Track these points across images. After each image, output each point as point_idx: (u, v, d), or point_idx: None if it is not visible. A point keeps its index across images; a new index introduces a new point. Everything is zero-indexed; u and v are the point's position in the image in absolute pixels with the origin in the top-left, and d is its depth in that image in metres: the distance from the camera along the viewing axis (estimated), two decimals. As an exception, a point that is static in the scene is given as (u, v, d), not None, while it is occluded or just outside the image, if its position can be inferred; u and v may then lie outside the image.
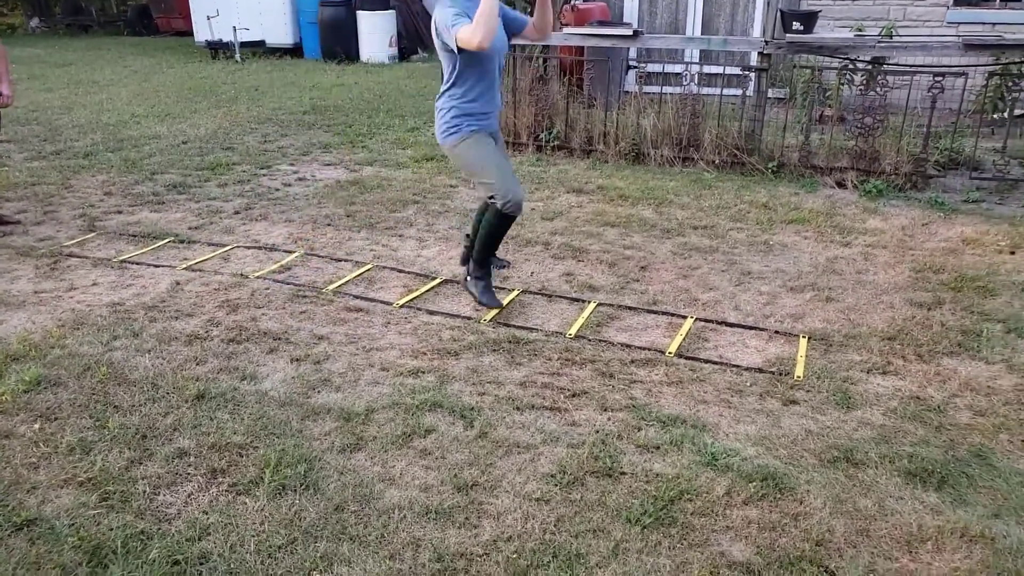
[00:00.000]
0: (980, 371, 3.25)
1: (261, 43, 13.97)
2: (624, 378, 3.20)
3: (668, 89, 6.50)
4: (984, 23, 8.37)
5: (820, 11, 6.76)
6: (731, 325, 3.70)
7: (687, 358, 3.38)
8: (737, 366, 3.31)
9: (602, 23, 8.79)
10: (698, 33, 9.18)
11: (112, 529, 2.31)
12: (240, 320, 3.69)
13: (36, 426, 2.81)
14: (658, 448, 2.72)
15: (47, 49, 16.37)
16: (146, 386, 3.09)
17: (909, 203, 5.54)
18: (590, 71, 6.90)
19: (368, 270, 4.34)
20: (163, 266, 4.38)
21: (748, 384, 3.17)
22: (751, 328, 3.67)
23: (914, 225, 5.05)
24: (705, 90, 7.12)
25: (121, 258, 4.50)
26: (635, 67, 8.57)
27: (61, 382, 3.10)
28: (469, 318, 3.75)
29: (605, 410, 2.97)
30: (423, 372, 3.23)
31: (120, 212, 5.43)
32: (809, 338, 3.55)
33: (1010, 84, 6.17)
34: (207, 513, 2.39)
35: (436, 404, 2.97)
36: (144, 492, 2.48)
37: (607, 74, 6.84)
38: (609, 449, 2.71)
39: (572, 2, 8.93)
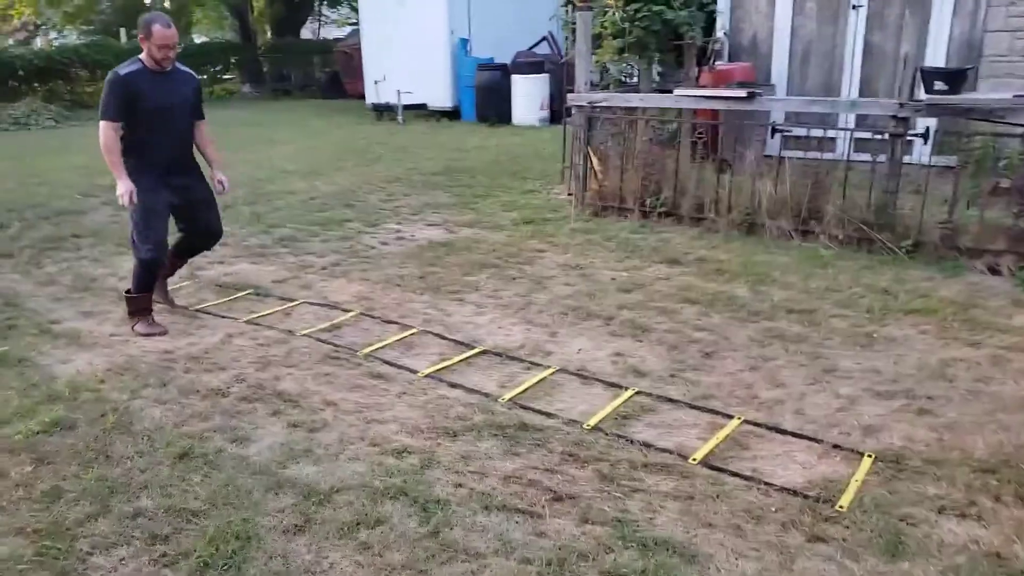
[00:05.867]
0: (1098, 528, 2.49)
1: (423, 106, 14.69)
2: (626, 485, 2.78)
3: (816, 155, 5.85)
4: None
5: (971, 68, 5.90)
6: (783, 432, 3.15)
7: (713, 468, 2.89)
8: (770, 484, 2.77)
9: (742, 84, 8.34)
10: (856, 95, 8.41)
11: (27, 589, 2.28)
12: (264, 378, 3.67)
13: (28, 468, 2.89)
14: (624, 578, 2.29)
15: (249, 111, 18.24)
16: (143, 439, 3.11)
17: (1075, 297, 4.57)
18: (701, 135, 6.48)
19: (412, 334, 4.21)
20: (228, 318, 4.51)
21: (773, 508, 2.63)
22: (806, 438, 3.09)
23: (1071, 325, 4.14)
24: (857, 156, 6.45)
25: (197, 307, 4.70)
26: (780, 130, 8.01)
27: (75, 427, 3.20)
28: (488, 395, 3.48)
29: (585, 521, 2.57)
30: (410, 453, 3.00)
31: (223, 263, 5.74)
32: (876, 458, 2.92)
33: None
34: (123, 584, 2.30)
35: (402, 491, 2.72)
36: (80, 551, 2.44)
37: (740, 136, 6.39)
38: (565, 572, 2.31)
39: (713, 63, 8.55)
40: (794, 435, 3.12)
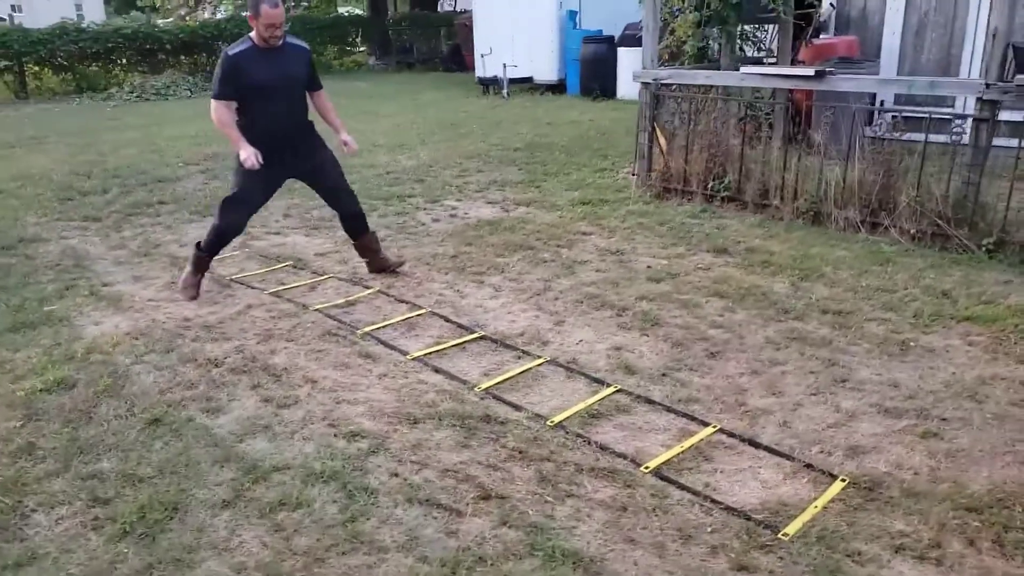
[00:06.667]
0: (1083, 591, 2.13)
1: (529, 79, 14.58)
2: (563, 489, 2.66)
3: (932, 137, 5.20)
4: None
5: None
6: (756, 445, 2.89)
7: (662, 478, 2.70)
8: (716, 502, 2.56)
9: (843, 60, 7.71)
10: (977, 75, 7.54)
11: (-32, 538, 2.47)
12: (260, 351, 3.79)
13: (16, 424, 3.13)
14: (512, 589, 2.19)
15: (369, 83, 18.79)
16: (126, 403, 3.29)
17: None
18: (768, 115, 6.01)
19: (419, 315, 4.20)
20: (256, 288, 4.68)
21: (709, 529, 2.43)
22: (779, 454, 2.83)
23: None
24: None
25: (233, 277, 4.91)
26: (888, 111, 7.32)
27: (74, 386, 3.44)
28: (466, 382, 3.42)
29: (503, 524, 2.48)
30: (363, 437, 3.00)
31: (278, 233, 5.96)
32: (849, 483, 2.63)
33: None
34: (51, 541, 2.45)
35: (335, 476, 2.73)
36: (26, 508, 2.61)
37: (810, 117, 5.91)
38: (457, 575, 2.24)
39: (808, 38, 7.93)
40: (768, 450, 2.86)
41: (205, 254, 4.59)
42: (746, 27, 7.43)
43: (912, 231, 5.02)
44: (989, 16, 7.42)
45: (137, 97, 16.60)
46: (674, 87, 6.49)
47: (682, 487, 2.65)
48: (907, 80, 5.65)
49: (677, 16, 6.85)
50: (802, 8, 7.69)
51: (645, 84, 6.27)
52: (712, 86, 6.36)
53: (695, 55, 6.75)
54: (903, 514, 2.47)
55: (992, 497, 2.53)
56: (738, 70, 6.06)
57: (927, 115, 5.04)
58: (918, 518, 2.44)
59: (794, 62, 7.83)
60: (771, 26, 8.29)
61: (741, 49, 6.99)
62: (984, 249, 4.75)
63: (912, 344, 3.69)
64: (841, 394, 3.25)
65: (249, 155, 4.19)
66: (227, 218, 4.49)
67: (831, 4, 8.40)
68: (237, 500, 2.63)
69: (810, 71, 5.34)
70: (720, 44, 6.78)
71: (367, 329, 4.00)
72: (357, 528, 2.47)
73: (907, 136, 5.37)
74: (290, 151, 4.44)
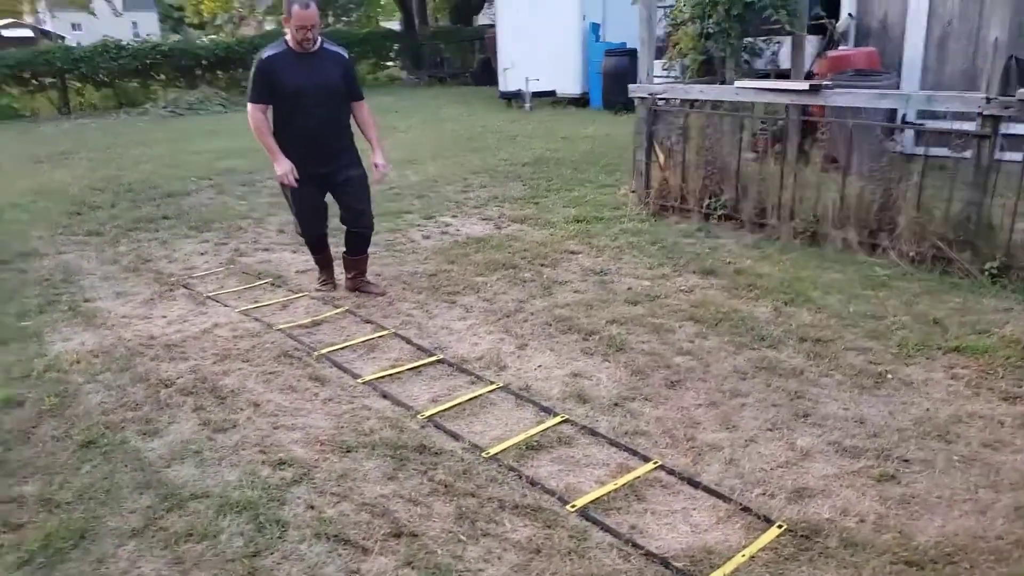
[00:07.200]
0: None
1: (552, 93, 14.49)
2: (480, 527, 2.53)
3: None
4: None
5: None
6: (695, 485, 2.72)
7: (588, 519, 2.56)
8: (638, 547, 2.41)
9: (860, 73, 7.45)
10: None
11: None
12: (214, 371, 3.74)
13: (-44, 444, 3.13)
14: (396, 638, 2.07)
15: (396, 97, 18.87)
16: (67, 423, 3.26)
17: None
18: (764, 131, 5.80)
19: (381, 336, 4.12)
20: (229, 306, 4.65)
21: (623, 578, 2.28)
22: (716, 495, 2.65)
23: None
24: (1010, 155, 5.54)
25: (209, 294, 4.89)
26: (910, 125, 7.05)
27: (22, 405, 3.43)
28: (411, 408, 3.32)
29: (408, 564, 2.36)
30: (290, 465, 2.91)
31: (267, 250, 5.95)
32: (786, 530, 2.45)
33: None
34: (-49, 569, 2.41)
35: (249, 506, 2.65)
36: (-61, 532, 2.59)
37: (805, 133, 5.69)
38: (342, 620, 2.14)
39: (824, 49, 7.69)
40: (706, 490, 2.69)
41: (315, 258, 4.91)
42: (759, 40, 7.20)
43: (912, 254, 4.76)
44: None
45: (170, 112, 16.96)
46: (677, 102, 6.33)
47: (605, 528, 2.50)
48: (904, 94, 5.39)
49: (679, 29, 6.69)
50: (814, 20, 7.45)
51: (641, 99, 6.12)
52: (719, 101, 6.16)
53: (697, 69, 6.57)
54: (836, 567, 2.28)
55: (939, 550, 2.33)
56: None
57: (922, 128, 4.80)
58: (852, 572, 2.26)
59: (809, 75, 7.60)
60: (783, 38, 8.07)
61: (747, 62, 6.78)
62: (987, 274, 4.47)
63: (889, 376, 3.47)
64: (800, 430, 3.06)
65: (285, 172, 4.18)
66: (304, 232, 4.74)
67: (849, 15, 8.13)
68: (146, 529, 2.56)
69: (805, 85, 5.14)
70: (725, 57, 6.59)
71: (324, 351, 3.93)
72: (257, 563, 2.38)
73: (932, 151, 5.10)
74: (322, 161, 4.38)
